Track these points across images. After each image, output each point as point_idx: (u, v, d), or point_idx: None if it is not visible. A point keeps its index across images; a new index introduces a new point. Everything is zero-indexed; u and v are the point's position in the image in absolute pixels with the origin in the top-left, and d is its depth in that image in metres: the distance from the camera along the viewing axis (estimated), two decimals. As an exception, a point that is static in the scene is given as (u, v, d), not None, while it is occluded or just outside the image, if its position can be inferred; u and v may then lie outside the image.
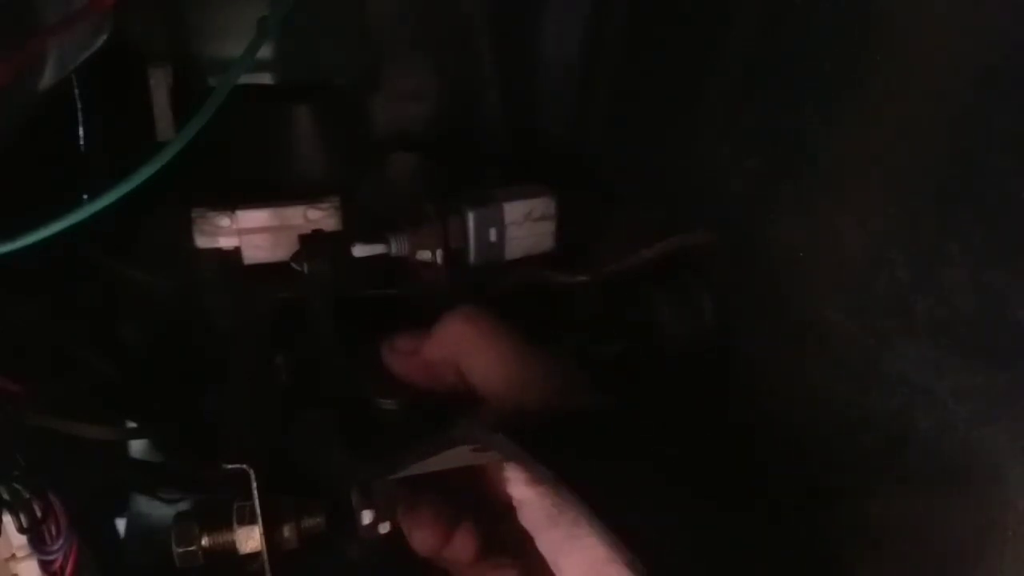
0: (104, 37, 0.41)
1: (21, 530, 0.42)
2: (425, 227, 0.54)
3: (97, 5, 0.34)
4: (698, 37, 0.51)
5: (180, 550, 0.43)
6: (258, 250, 0.54)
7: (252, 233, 0.54)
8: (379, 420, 0.50)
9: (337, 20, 0.58)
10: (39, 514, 0.42)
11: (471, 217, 0.54)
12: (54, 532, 0.43)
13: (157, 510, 0.60)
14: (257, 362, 0.53)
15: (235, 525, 0.43)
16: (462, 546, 0.44)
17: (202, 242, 0.54)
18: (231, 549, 0.43)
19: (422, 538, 0.44)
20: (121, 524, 0.65)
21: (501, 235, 0.55)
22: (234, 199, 0.54)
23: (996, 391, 0.35)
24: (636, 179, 0.59)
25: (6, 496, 0.41)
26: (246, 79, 0.47)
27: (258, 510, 0.43)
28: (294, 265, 0.51)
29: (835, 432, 0.43)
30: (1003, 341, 0.34)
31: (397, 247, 0.53)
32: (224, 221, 0.54)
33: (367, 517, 0.44)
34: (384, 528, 0.44)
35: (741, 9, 0.46)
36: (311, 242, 0.52)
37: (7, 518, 0.42)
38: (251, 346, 0.54)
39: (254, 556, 0.43)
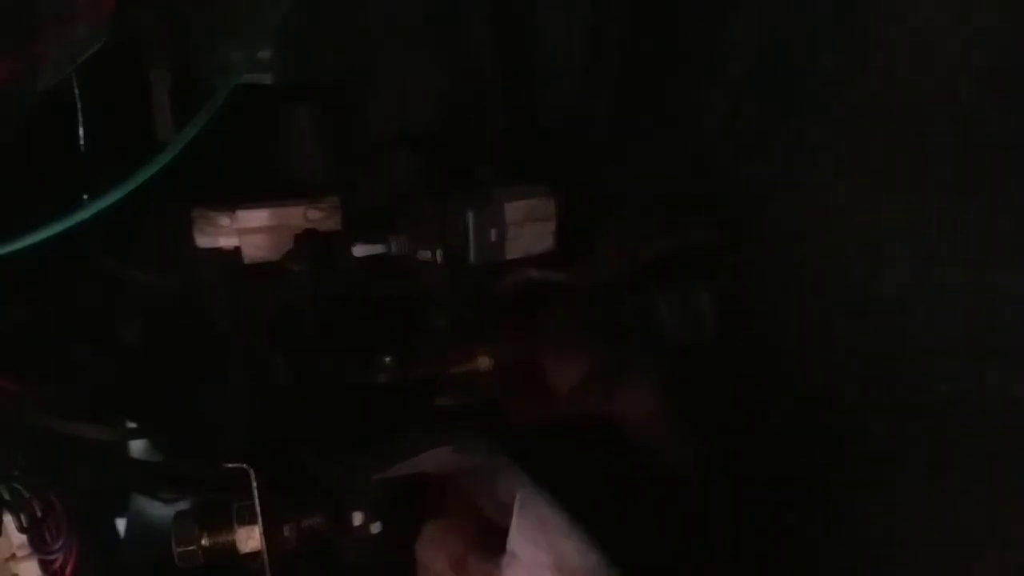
0: (104, 37, 0.41)
1: (21, 530, 0.42)
2: (425, 227, 0.54)
3: (97, 5, 0.34)
4: (699, 38, 0.51)
5: (180, 550, 0.43)
6: (258, 250, 0.54)
7: (252, 233, 0.54)
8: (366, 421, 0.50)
9: (336, 20, 0.58)
10: (39, 514, 0.42)
11: (471, 217, 0.54)
12: (54, 532, 0.43)
13: (157, 510, 0.60)
14: (257, 362, 0.53)
15: (235, 525, 0.43)
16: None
17: (202, 242, 0.54)
18: (231, 549, 0.43)
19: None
20: (121, 524, 0.65)
21: (501, 235, 0.55)
22: (234, 199, 0.54)
23: (995, 390, 0.35)
24: (637, 178, 0.59)
25: (6, 496, 0.41)
26: (246, 79, 0.47)
27: (258, 510, 0.43)
28: (287, 264, 0.51)
29: (836, 432, 0.43)
30: (1003, 341, 0.34)
31: (397, 247, 0.53)
32: (224, 221, 0.53)
33: (358, 518, 0.44)
34: (375, 528, 0.44)
35: (742, 9, 0.46)
36: (304, 241, 0.52)
37: (7, 518, 0.42)
38: (251, 346, 0.54)
39: (254, 556, 0.43)
